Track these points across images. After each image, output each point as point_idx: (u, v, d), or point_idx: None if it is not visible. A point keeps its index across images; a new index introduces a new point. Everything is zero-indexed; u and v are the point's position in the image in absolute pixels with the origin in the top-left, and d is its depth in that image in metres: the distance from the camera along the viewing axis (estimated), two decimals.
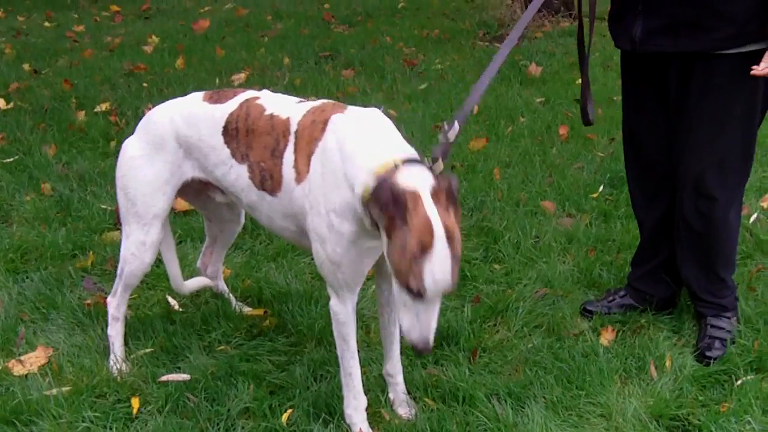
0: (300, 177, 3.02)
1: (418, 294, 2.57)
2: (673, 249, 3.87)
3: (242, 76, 7.89)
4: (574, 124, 6.29)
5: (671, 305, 4.02)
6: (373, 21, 10.11)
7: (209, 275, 4.13)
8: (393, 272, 2.64)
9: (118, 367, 3.69)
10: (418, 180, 2.62)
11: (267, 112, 3.19)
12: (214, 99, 3.41)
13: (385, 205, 2.57)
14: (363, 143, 2.85)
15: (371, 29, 9.71)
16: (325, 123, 2.97)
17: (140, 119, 6.58)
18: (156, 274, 4.44)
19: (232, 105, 3.31)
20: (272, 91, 3.42)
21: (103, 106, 7.16)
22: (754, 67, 3.27)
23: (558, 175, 5.45)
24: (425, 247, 2.54)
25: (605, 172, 5.49)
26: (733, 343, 3.73)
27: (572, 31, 8.70)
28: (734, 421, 3.26)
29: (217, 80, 7.88)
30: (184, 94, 7.05)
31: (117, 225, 5.00)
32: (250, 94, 3.36)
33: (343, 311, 3.13)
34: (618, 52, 3.76)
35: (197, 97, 3.50)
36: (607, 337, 3.82)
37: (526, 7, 3.67)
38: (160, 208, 3.53)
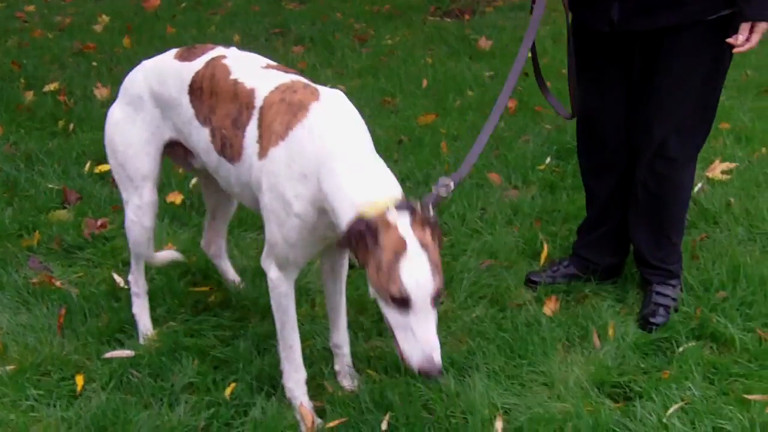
0: (263, 153, 2.95)
1: (403, 302, 2.51)
2: (621, 218, 3.91)
3: None
4: (522, 97, 6.31)
5: (616, 274, 4.06)
6: None
7: (212, 254, 4.10)
8: (377, 295, 2.61)
9: (141, 342, 3.71)
10: (395, 213, 2.59)
11: (232, 77, 3.12)
12: (184, 56, 3.35)
13: (358, 233, 2.57)
14: (350, 170, 2.74)
15: (322, 5, 9.66)
16: (299, 109, 2.88)
17: (88, 100, 6.60)
18: (102, 251, 4.44)
19: (198, 63, 3.26)
20: (225, 47, 3.38)
21: (52, 86, 7.06)
22: (731, 39, 3.34)
23: (505, 147, 5.47)
24: (399, 253, 2.51)
25: (552, 144, 5.51)
26: (676, 311, 3.77)
27: (523, 5, 8.72)
28: (675, 388, 3.30)
29: None
30: None
31: (64, 204, 4.99)
32: (217, 52, 3.30)
33: (284, 284, 3.11)
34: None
35: (169, 54, 3.44)
36: (550, 306, 3.85)
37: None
38: (148, 169, 3.49)
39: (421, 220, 2.58)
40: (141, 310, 3.79)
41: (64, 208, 4.96)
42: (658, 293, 3.82)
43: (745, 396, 3.25)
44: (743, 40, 3.34)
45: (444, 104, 6.33)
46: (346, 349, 3.43)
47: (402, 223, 2.55)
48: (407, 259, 2.50)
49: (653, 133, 3.62)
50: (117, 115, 3.54)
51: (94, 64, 7.77)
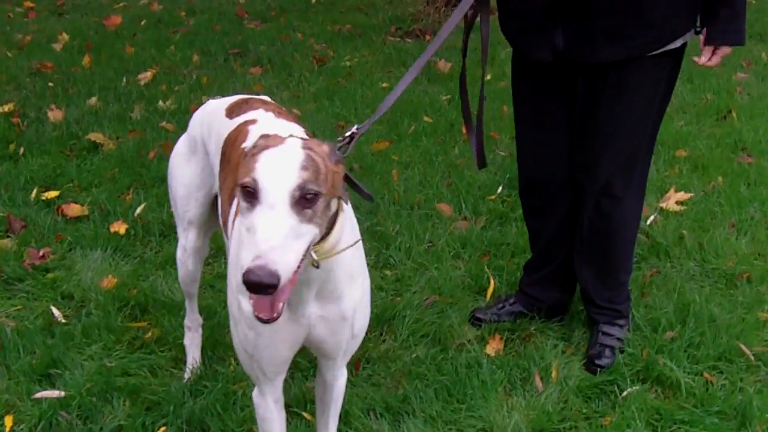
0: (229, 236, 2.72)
1: (253, 194, 1.99)
2: (567, 255, 3.85)
3: (148, 74, 7.74)
4: None
5: (562, 312, 4.00)
6: (287, 16, 9.96)
7: None
8: (221, 201, 2.37)
9: (187, 376, 3.63)
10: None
11: (244, 144, 2.74)
12: (232, 111, 3.06)
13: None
14: None
15: (283, 25, 9.57)
16: None
17: (40, 123, 6.50)
18: (42, 283, 4.35)
19: (234, 123, 2.97)
20: (266, 110, 3.03)
21: (6, 108, 6.96)
22: (697, 58, 3.35)
23: (457, 176, 5.40)
24: (267, 146, 2.09)
25: (505, 173, 5.42)
26: (622, 351, 3.71)
27: None
28: None
29: (124, 79, 7.72)
30: (89, 94, 6.99)
31: (7, 232, 4.89)
32: (253, 114, 2.97)
33: (262, 404, 2.72)
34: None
35: (224, 104, 3.17)
36: (494, 346, 3.78)
37: (465, 34, 3.54)
38: (194, 215, 3.27)
39: (319, 142, 2.19)
40: (191, 343, 3.69)
41: (8, 236, 4.85)
42: (604, 333, 3.76)
43: None
44: (705, 61, 3.33)
45: (398, 130, 6.25)
46: None
47: (291, 138, 2.16)
48: (270, 151, 2.07)
49: (598, 171, 3.54)
50: (179, 147, 3.32)
51: (51, 84, 7.66)
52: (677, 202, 5.01)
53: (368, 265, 4.27)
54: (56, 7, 11.46)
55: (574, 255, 3.81)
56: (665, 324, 3.84)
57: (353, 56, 8.13)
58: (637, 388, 3.50)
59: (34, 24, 10.44)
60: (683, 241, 4.60)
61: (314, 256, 2.19)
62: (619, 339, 3.74)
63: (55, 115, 6.73)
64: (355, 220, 2.56)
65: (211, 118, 3.16)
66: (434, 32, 8.72)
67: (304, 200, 1.99)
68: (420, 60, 2.96)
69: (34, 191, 5.35)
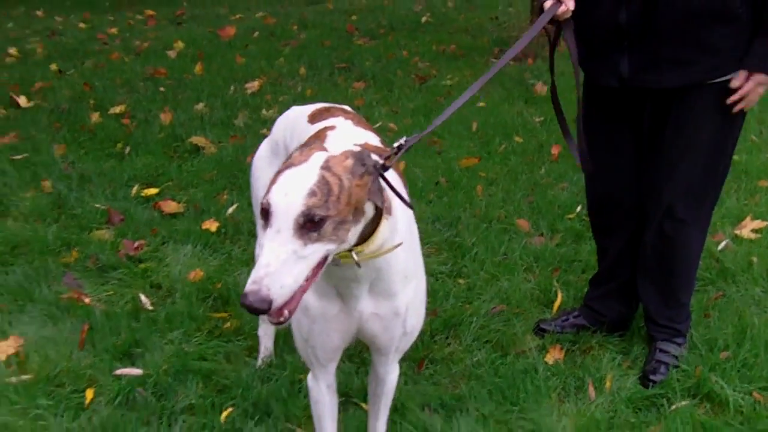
0: None
1: (266, 215, 2.13)
2: (632, 273, 3.94)
3: (256, 84, 8.04)
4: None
5: (623, 328, 4.09)
6: (395, 34, 10.20)
7: None
8: None
9: (259, 364, 3.84)
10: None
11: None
12: (314, 118, 3.17)
13: None
14: None
15: (391, 42, 9.81)
16: None
17: (148, 125, 6.85)
18: (134, 272, 4.61)
19: (314, 129, 3.05)
20: (345, 118, 3.13)
21: (118, 109, 7.34)
22: (731, 99, 3.37)
23: (539, 194, 5.52)
24: (286, 167, 2.22)
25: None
26: (677, 368, 3.79)
27: None
28: None
29: (232, 88, 8.04)
30: (197, 100, 7.32)
31: (107, 224, 5.18)
32: (333, 121, 3.07)
33: (315, 388, 2.89)
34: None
35: (307, 110, 3.30)
36: (554, 355, 3.89)
37: (550, 51, 3.65)
38: None
39: (345, 155, 2.27)
40: (264, 333, 3.90)
41: (107, 228, 5.15)
42: (661, 350, 3.83)
43: None
44: (737, 84, 3.35)
45: (489, 148, 6.40)
46: None
47: (318, 153, 2.27)
48: (289, 171, 2.18)
49: (662, 195, 3.63)
50: (262, 151, 3.46)
51: (162, 89, 8.02)
52: (752, 230, 5.04)
53: (443, 273, 4.48)
54: (175, 16, 11.94)
55: (637, 274, 3.90)
56: (722, 344, 3.89)
57: (454, 76, 8.29)
58: (686, 402, 3.56)
59: (152, 32, 10.90)
60: (752, 267, 4.64)
61: (355, 257, 2.34)
62: (675, 356, 3.81)
63: (164, 117, 7.06)
64: (408, 224, 2.67)
65: (294, 123, 3.32)
66: (536, 56, 8.85)
67: (310, 224, 2.09)
68: (489, 72, 3.12)
69: (135, 188, 5.66)
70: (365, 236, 2.34)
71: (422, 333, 3.94)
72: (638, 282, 3.91)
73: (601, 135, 3.74)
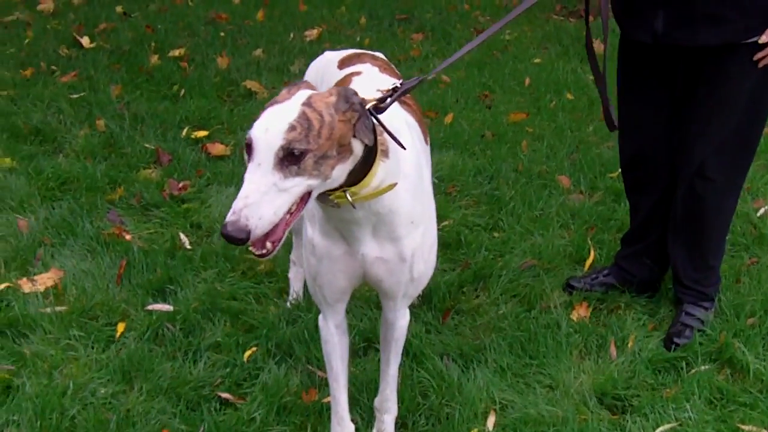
0: None
1: (248, 149, 2.17)
2: (662, 232, 3.94)
3: (314, 32, 8.06)
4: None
5: (652, 289, 4.08)
6: None
7: None
8: None
9: (291, 302, 3.95)
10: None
11: None
12: (344, 63, 3.27)
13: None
14: None
15: None
16: None
17: (205, 68, 6.92)
18: (176, 211, 4.70)
19: (342, 74, 3.15)
20: (373, 64, 3.22)
21: (177, 52, 7.40)
22: (759, 54, 3.34)
23: (584, 151, 5.49)
24: (273, 102, 2.27)
25: None
26: (702, 332, 3.78)
27: None
28: (673, 407, 3.34)
29: (291, 35, 8.07)
30: (256, 46, 7.37)
31: (155, 164, 5.28)
32: (360, 67, 3.16)
33: (324, 328, 2.92)
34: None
35: (340, 54, 3.40)
36: (580, 312, 3.90)
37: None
38: None
39: (330, 92, 2.31)
40: (294, 276, 3.98)
41: (154, 168, 5.24)
42: (687, 313, 3.83)
43: (740, 425, 3.26)
44: (766, 40, 3.31)
45: (539, 104, 6.37)
46: (386, 418, 3.15)
47: (303, 91, 2.31)
48: (272, 108, 2.23)
49: (693, 152, 3.61)
50: None
51: (222, 34, 8.08)
52: None
53: (479, 225, 4.50)
54: None
55: (667, 233, 3.89)
56: (749, 311, 3.87)
57: (513, 31, 8.22)
58: (707, 367, 3.56)
59: None
60: None
61: (349, 198, 2.38)
62: (701, 320, 3.80)
63: (221, 62, 7.12)
64: (418, 168, 2.68)
65: (325, 67, 3.38)
66: (598, 13, 8.72)
67: (290, 158, 2.13)
68: (514, 11, 3.11)
69: (186, 129, 5.74)
70: (358, 177, 2.36)
71: (449, 284, 3.99)
72: (668, 241, 3.90)
73: (635, 90, 3.74)
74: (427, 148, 3.10)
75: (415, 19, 8.76)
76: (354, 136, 2.30)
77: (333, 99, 2.27)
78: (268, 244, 2.18)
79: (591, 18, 3.59)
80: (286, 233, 2.22)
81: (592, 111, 6.20)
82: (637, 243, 4.05)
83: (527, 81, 6.83)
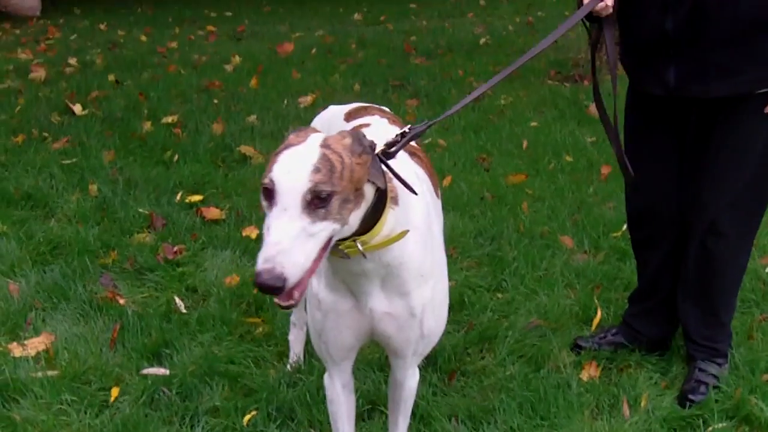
0: None
1: (269, 194, 2.07)
2: (672, 289, 3.84)
3: (309, 99, 8.03)
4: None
5: (663, 347, 3.97)
6: (452, 55, 10.15)
7: None
8: None
9: (291, 365, 3.82)
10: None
11: None
12: (351, 115, 3.23)
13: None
14: None
15: (447, 62, 9.75)
16: None
17: (199, 134, 6.88)
18: (170, 275, 4.59)
19: (349, 126, 3.03)
20: (381, 117, 3.19)
21: (170, 119, 7.38)
22: None
23: (585, 212, 5.41)
24: (286, 146, 2.18)
25: None
26: (717, 389, 3.66)
27: None
28: None
29: (285, 101, 8.05)
30: (249, 112, 7.34)
31: (149, 228, 5.19)
32: (368, 119, 3.13)
33: (330, 387, 2.84)
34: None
35: (344, 109, 3.34)
36: (589, 372, 3.78)
37: (591, 51, 3.59)
38: None
39: (343, 135, 2.24)
40: (295, 338, 3.86)
41: (148, 232, 5.15)
42: (701, 370, 3.72)
43: None
44: None
45: (537, 166, 6.30)
46: None
47: (315, 134, 2.24)
48: (288, 151, 2.15)
49: (706, 208, 3.53)
50: None
51: (215, 101, 8.06)
52: None
53: (482, 287, 4.40)
54: (236, 32, 12.01)
55: (677, 290, 3.79)
56: (764, 366, 3.76)
57: (509, 96, 8.21)
58: (723, 424, 3.44)
59: (212, 47, 11.01)
60: None
61: (360, 247, 2.28)
62: (715, 376, 3.69)
63: (216, 128, 7.08)
64: (427, 219, 2.60)
65: (331, 120, 3.30)
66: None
67: (317, 200, 2.05)
68: (513, 64, 3.13)
69: (180, 194, 5.65)
70: (368, 225, 2.28)
71: (453, 345, 3.88)
72: (678, 298, 3.80)
73: (645, 143, 3.66)
74: (438, 202, 3.03)
75: (410, 85, 8.75)
76: (368, 180, 2.22)
77: (348, 141, 2.20)
78: (296, 294, 2.06)
79: (585, 82, 3.53)
80: (309, 282, 2.12)
81: (591, 172, 6.14)
82: (645, 300, 3.95)
83: (525, 144, 6.78)
